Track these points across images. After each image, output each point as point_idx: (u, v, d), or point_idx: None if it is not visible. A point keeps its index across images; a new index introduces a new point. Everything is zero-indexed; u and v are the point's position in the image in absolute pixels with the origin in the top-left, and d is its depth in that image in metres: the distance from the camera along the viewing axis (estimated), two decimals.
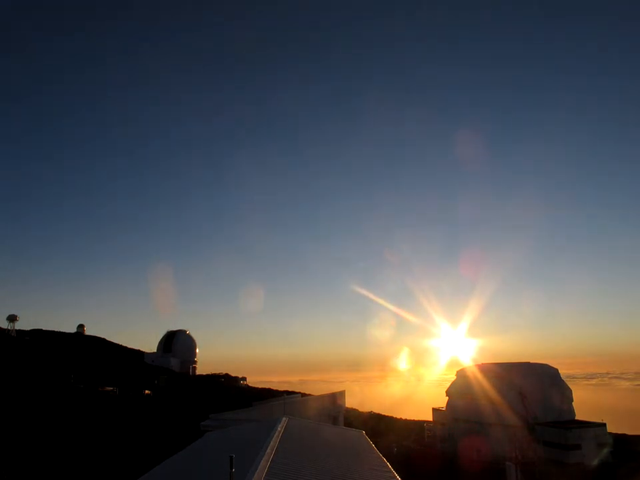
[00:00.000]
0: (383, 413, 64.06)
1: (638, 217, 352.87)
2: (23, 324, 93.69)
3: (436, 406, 51.48)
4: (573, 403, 41.54)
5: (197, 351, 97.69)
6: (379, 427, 49.73)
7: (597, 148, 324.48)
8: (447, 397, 49.30)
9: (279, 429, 18.97)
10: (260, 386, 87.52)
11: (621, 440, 40.56)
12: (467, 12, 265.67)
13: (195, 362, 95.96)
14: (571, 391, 41.76)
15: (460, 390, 47.02)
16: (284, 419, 22.04)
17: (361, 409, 64.15)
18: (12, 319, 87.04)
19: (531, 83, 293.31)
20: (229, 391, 69.95)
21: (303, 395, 52.90)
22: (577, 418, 39.95)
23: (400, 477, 14.61)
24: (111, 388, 58.68)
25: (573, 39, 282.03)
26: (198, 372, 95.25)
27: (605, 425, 35.96)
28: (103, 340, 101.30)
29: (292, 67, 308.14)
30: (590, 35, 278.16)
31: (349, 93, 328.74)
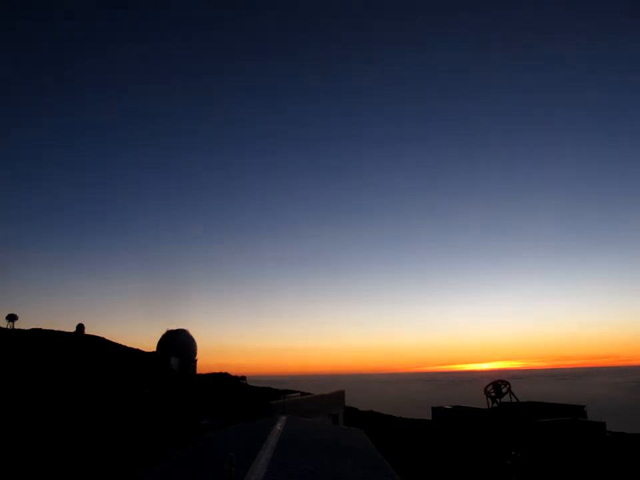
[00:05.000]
0: (383, 412, 64.10)
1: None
2: (23, 323, 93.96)
3: (436, 405, 51.41)
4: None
5: (197, 350, 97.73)
6: (379, 426, 49.73)
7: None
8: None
9: (278, 428, 18.96)
10: (260, 385, 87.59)
11: (620, 438, 40.66)
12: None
13: (194, 361, 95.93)
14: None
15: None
16: (283, 418, 22.03)
17: (361, 408, 64.22)
18: (12, 318, 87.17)
19: None
20: (229, 391, 69.99)
21: (303, 394, 52.87)
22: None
23: (400, 476, 14.60)
24: (111, 387, 58.70)
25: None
26: (198, 371, 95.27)
27: (604, 423, 35.99)
28: (102, 339, 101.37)
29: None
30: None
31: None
